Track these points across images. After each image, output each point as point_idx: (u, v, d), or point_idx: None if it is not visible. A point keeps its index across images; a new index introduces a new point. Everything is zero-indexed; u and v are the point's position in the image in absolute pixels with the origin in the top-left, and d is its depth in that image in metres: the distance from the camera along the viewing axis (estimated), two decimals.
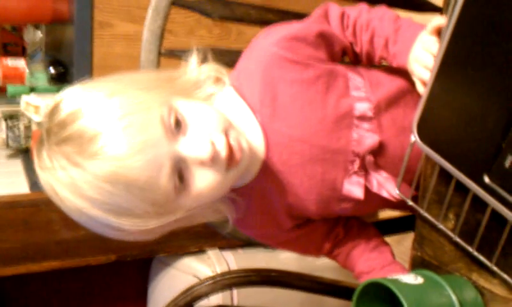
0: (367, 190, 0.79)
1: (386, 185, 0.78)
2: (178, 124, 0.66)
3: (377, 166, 0.80)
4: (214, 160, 0.66)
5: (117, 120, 0.62)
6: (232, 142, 0.68)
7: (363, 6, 0.83)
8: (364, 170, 0.79)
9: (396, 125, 0.80)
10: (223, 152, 0.67)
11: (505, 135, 0.57)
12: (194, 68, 0.77)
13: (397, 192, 0.74)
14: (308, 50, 0.78)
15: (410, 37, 0.75)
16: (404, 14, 0.85)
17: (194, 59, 0.77)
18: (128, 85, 0.68)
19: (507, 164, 0.57)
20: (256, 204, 0.79)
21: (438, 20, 0.70)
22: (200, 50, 0.78)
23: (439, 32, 0.70)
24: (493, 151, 0.58)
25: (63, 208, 0.66)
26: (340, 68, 0.80)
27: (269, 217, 0.80)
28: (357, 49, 0.83)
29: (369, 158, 0.78)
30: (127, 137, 0.62)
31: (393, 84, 0.82)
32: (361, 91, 0.79)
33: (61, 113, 0.65)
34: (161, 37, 0.95)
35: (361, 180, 0.79)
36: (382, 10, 0.82)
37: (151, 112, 0.64)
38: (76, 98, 0.66)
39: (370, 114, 0.78)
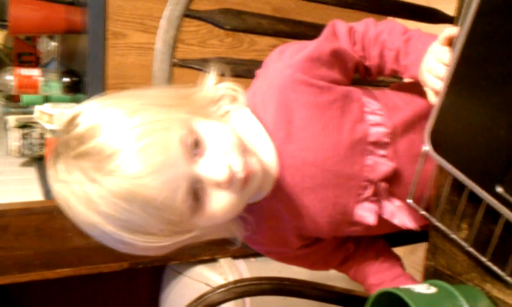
0: (379, 216, 0.79)
1: (399, 215, 0.78)
2: (196, 145, 0.66)
3: (391, 193, 0.79)
4: (230, 183, 0.66)
5: (136, 139, 0.62)
6: (248, 164, 0.68)
7: (370, 20, 0.82)
8: (377, 196, 0.78)
9: (412, 152, 0.79)
10: (240, 174, 0.67)
11: None
12: (211, 86, 0.76)
13: (409, 201, 0.73)
14: (323, 70, 0.77)
15: (421, 48, 0.75)
16: (415, 25, 0.85)
17: (211, 76, 0.77)
18: (147, 103, 0.68)
19: None
20: (266, 223, 0.79)
21: (449, 30, 0.69)
22: (217, 67, 0.78)
23: (451, 43, 0.70)
24: (505, 161, 0.58)
25: (75, 221, 0.66)
26: (354, 92, 0.79)
27: (278, 236, 0.81)
28: (367, 63, 0.83)
29: (383, 185, 0.78)
30: (146, 156, 0.62)
31: (410, 108, 0.81)
32: (377, 116, 0.78)
33: (80, 127, 0.65)
34: (174, 47, 0.95)
35: (374, 207, 0.78)
36: (390, 23, 0.81)
37: (170, 133, 0.64)
38: (95, 114, 0.66)
39: (385, 140, 0.78)
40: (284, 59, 0.77)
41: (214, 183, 0.66)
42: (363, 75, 0.85)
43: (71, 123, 0.66)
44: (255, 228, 0.78)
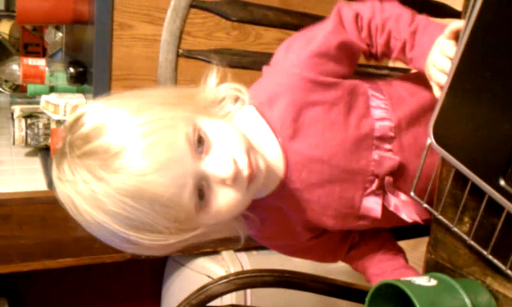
0: (385, 209, 0.79)
1: (404, 209, 0.78)
2: (200, 142, 0.67)
3: (396, 187, 0.79)
4: (235, 179, 0.67)
5: (142, 136, 0.62)
6: (253, 161, 0.68)
7: (376, 4, 0.81)
8: (382, 190, 0.78)
9: (417, 145, 0.79)
10: (245, 171, 0.67)
11: None
12: (213, 87, 0.77)
13: (412, 194, 0.73)
14: (330, 65, 0.77)
15: (428, 41, 0.74)
16: None
17: (213, 77, 0.77)
18: (151, 102, 0.68)
19: None
20: (273, 219, 0.79)
21: (456, 23, 0.69)
22: (219, 64, 0.78)
23: (457, 36, 0.70)
24: (508, 155, 0.57)
25: (80, 221, 0.66)
26: (360, 85, 0.79)
27: (286, 231, 0.81)
28: (373, 50, 0.82)
29: (388, 179, 0.78)
30: (153, 153, 0.62)
31: (415, 100, 0.81)
32: (382, 110, 0.79)
33: (84, 127, 0.65)
34: (179, 38, 0.95)
35: (379, 200, 0.78)
36: (396, 9, 0.80)
37: (176, 130, 0.65)
38: (100, 113, 0.66)
39: (391, 134, 0.78)
40: (291, 57, 0.77)
41: (220, 179, 0.67)
42: (368, 59, 0.84)
43: (75, 123, 0.67)
44: (259, 225, 0.78)
